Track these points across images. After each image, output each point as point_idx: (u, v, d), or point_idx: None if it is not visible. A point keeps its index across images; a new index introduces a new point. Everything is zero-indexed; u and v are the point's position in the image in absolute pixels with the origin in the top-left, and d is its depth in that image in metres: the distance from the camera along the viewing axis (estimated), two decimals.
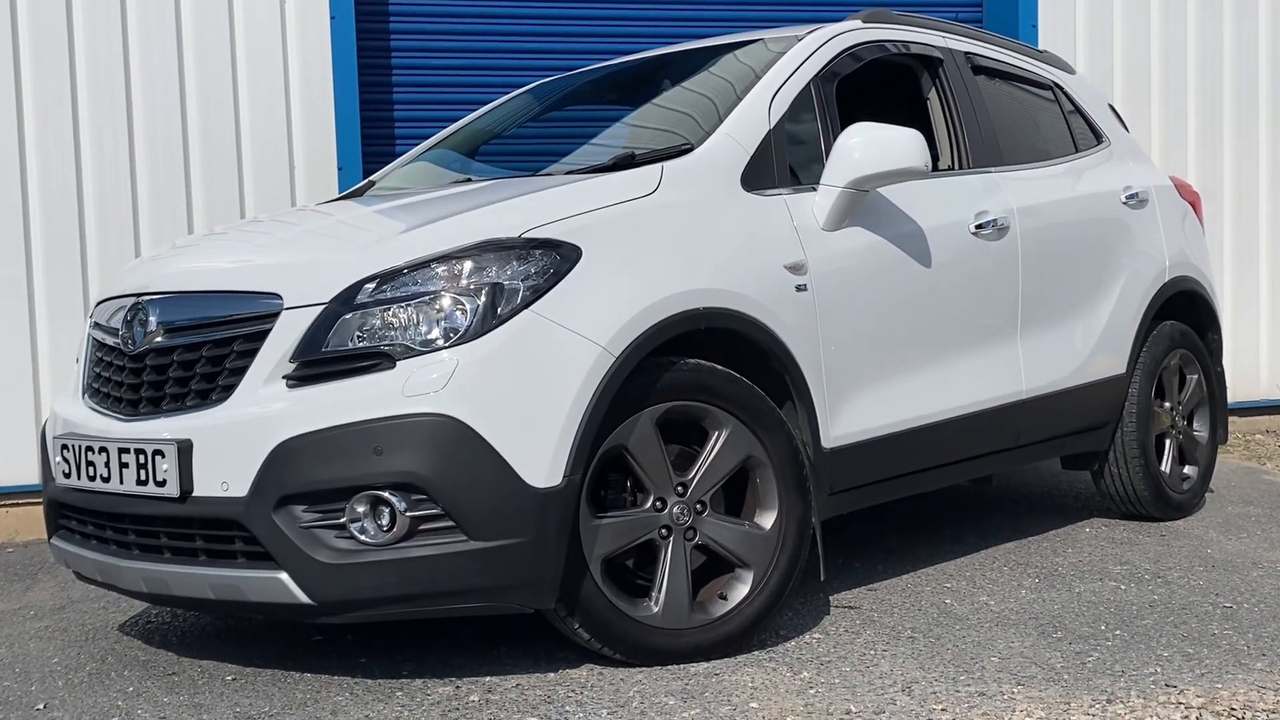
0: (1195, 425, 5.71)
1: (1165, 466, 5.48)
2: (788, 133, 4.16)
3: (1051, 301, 4.89)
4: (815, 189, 4.08)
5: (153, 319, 3.55)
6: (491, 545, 3.22)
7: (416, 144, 6.42)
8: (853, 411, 4.05)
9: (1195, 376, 5.67)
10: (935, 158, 4.83)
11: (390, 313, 3.32)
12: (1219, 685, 3.29)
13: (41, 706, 3.40)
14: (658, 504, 3.54)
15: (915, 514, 5.53)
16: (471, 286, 3.32)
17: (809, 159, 4.17)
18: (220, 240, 4.05)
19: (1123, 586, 4.41)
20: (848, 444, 4.03)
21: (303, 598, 3.24)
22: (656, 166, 3.80)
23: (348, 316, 3.32)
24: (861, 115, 5.04)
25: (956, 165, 4.80)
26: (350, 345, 3.31)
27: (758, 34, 4.81)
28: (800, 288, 3.89)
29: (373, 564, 3.22)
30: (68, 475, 3.65)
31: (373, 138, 6.70)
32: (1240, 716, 3.04)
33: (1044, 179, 5.05)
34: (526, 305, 3.32)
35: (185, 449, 3.31)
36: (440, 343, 3.27)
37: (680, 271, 3.59)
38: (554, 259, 3.40)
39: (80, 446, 3.58)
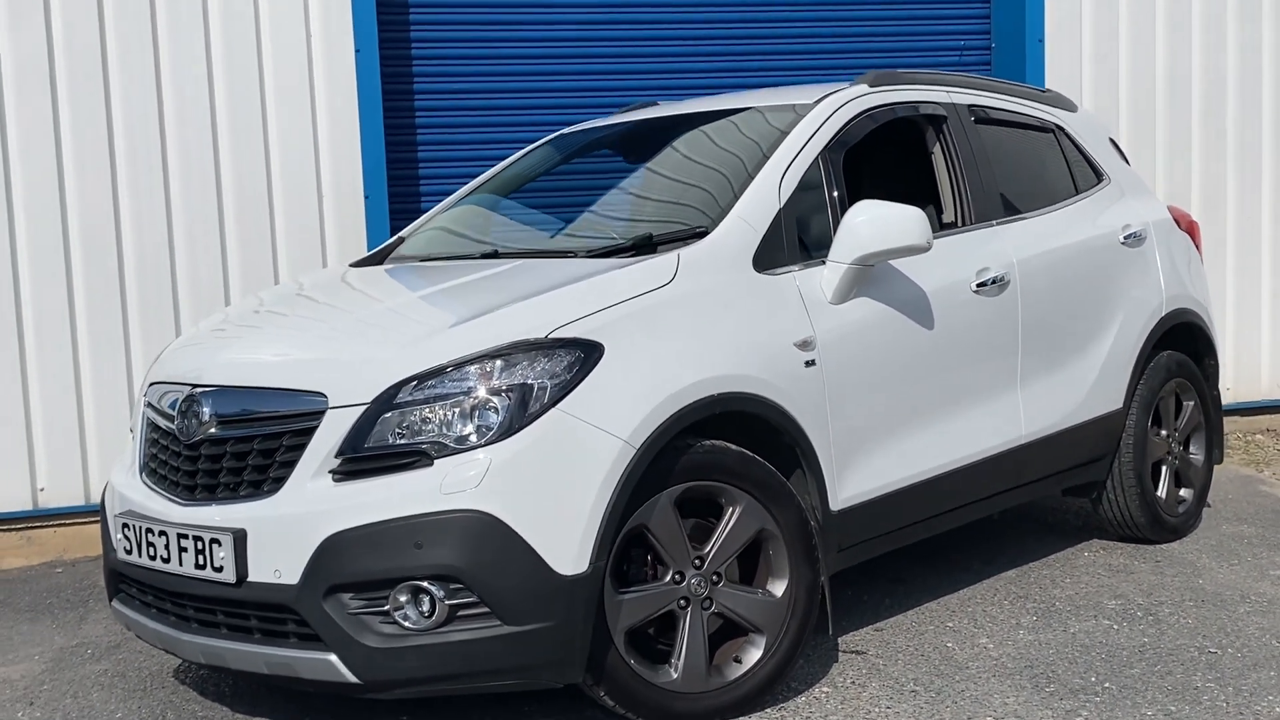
0: (1191, 449, 5.96)
1: (1161, 491, 5.74)
2: (797, 207, 4.39)
3: (1050, 348, 5.13)
4: (824, 263, 4.31)
5: (206, 410, 3.82)
6: (523, 629, 3.51)
7: (438, 170, 6.72)
8: (859, 474, 4.31)
9: (1191, 403, 5.91)
10: (940, 213, 5.06)
11: (428, 411, 3.58)
12: None
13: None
14: (676, 577, 3.82)
15: (923, 541, 5.75)
16: (503, 386, 3.58)
17: (818, 230, 4.41)
18: (267, 327, 4.30)
19: (1115, 626, 4.68)
20: (855, 505, 4.30)
21: (351, 677, 3.53)
22: (673, 255, 4.04)
23: (388, 415, 3.58)
24: (870, 173, 5.31)
25: (960, 220, 5.02)
26: (390, 441, 3.58)
27: (771, 97, 5.01)
28: (809, 363, 4.14)
29: (415, 648, 3.50)
30: (129, 552, 3.93)
31: (398, 162, 6.93)
32: None
33: (1044, 227, 5.28)
34: (554, 403, 3.58)
35: (240, 538, 3.59)
36: (474, 440, 3.54)
37: (696, 360, 3.85)
38: (578, 357, 3.65)
39: (141, 528, 3.87)
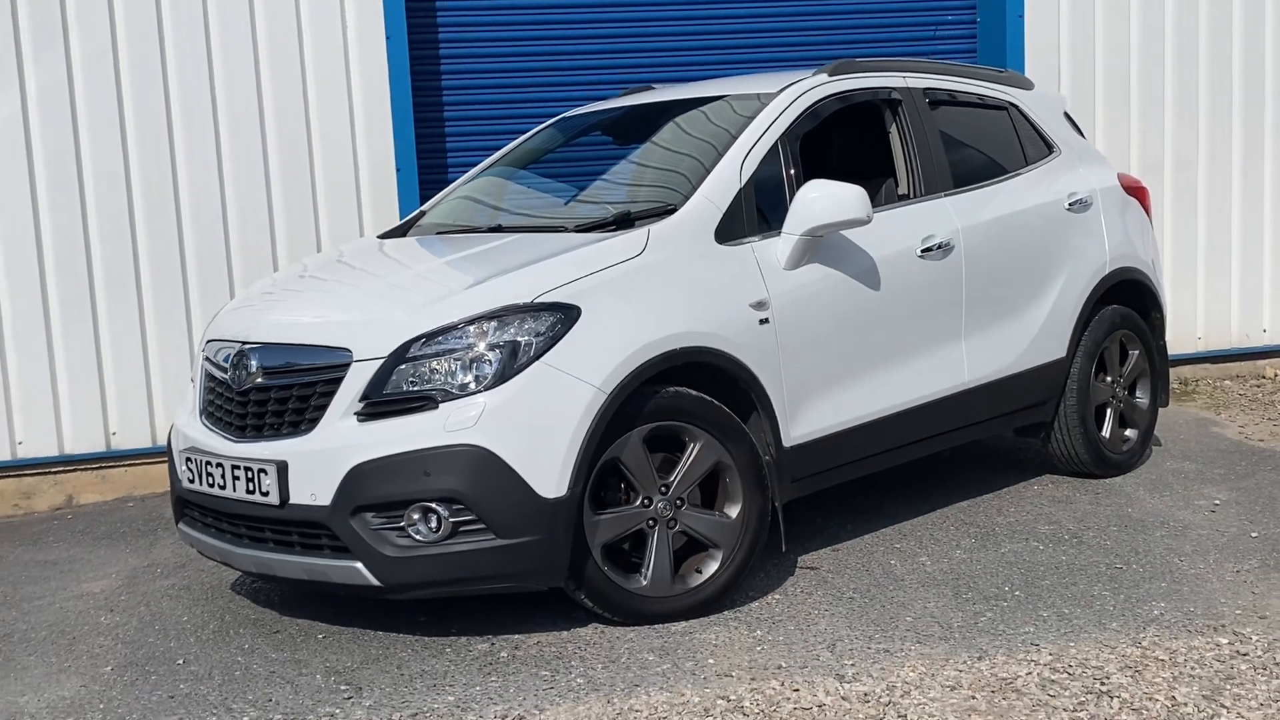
0: (1138, 393, 6.63)
1: (1106, 432, 6.43)
2: (758, 186, 5.10)
3: (993, 305, 5.82)
4: (780, 234, 5.02)
5: (254, 363, 4.61)
6: (514, 542, 4.28)
7: (463, 144, 7.47)
8: (809, 415, 5.05)
9: (1136, 352, 6.57)
10: (896, 188, 5.76)
11: (434, 364, 4.35)
12: (1071, 645, 4.28)
13: (181, 661, 4.52)
14: (645, 501, 4.58)
15: (894, 475, 6.47)
16: (496, 343, 4.34)
17: (776, 206, 5.11)
18: (307, 291, 5.08)
19: (1042, 547, 5.40)
20: (805, 442, 5.03)
21: (374, 581, 4.33)
22: (644, 230, 4.78)
23: (403, 367, 4.35)
24: (834, 151, 6.01)
25: (912, 193, 5.72)
26: (405, 389, 4.35)
27: (745, 85, 5.72)
28: (763, 321, 4.87)
29: (425, 557, 4.29)
30: (192, 481, 4.74)
31: (426, 138, 7.68)
32: (1071, 671, 4.04)
33: (991, 196, 5.95)
34: (538, 357, 4.34)
35: (283, 468, 4.39)
36: (472, 387, 4.30)
37: (661, 320, 4.59)
38: (560, 317, 4.40)
39: (201, 460, 4.67)
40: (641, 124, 5.92)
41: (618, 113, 6.10)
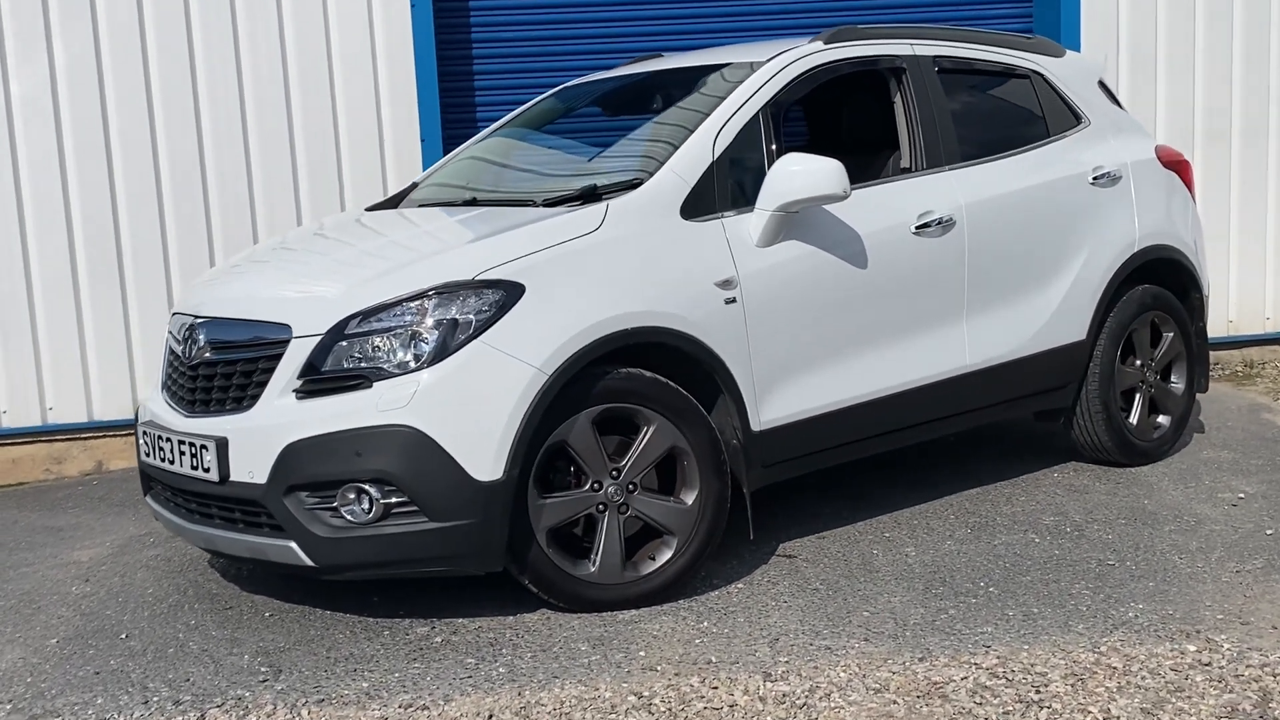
0: (1172, 378, 6.29)
1: (1133, 418, 6.12)
2: (735, 160, 4.91)
3: (1000, 283, 5.55)
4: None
5: (201, 337, 4.57)
6: (447, 525, 4.18)
7: (493, 114, 7.36)
8: (782, 399, 4.85)
9: (1171, 334, 6.23)
10: (899, 160, 5.51)
11: (370, 342, 4.26)
12: (1024, 647, 4.05)
13: (124, 636, 4.51)
14: (595, 485, 4.44)
15: (905, 459, 6.24)
16: (432, 321, 4.23)
17: (754, 181, 4.91)
18: (269, 263, 5.03)
19: (1038, 540, 5.14)
20: (776, 426, 4.84)
21: (307, 561, 4.26)
22: (602, 205, 4.62)
23: (343, 344, 4.27)
24: (831, 123, 5.79)
25: (915, 167, 5.47)
26: (343, 367, 4.26)
27: (740, 53, 5.51)
28: (730, 300, 4.68)
29: (359, 538, 4.21)
30: (148, 455, 4.72)
31: (454, 106, 7.59)
32: (1010, 677, 3.82)
33: (1003, 170, 5.66)
34: (476, 335, 4.22)
35: (222, 445, 4.34)
36: (407, 366, 4.20)
37: (612, 299, 4.43)
38: (502, 296, 4.28)
39: (155, 434, 4.65)
40: (636, 95, 5.77)
41: (615, 83, 5.95)
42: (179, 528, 4.67)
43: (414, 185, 5.89)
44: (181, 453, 4.49)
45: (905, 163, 5.51)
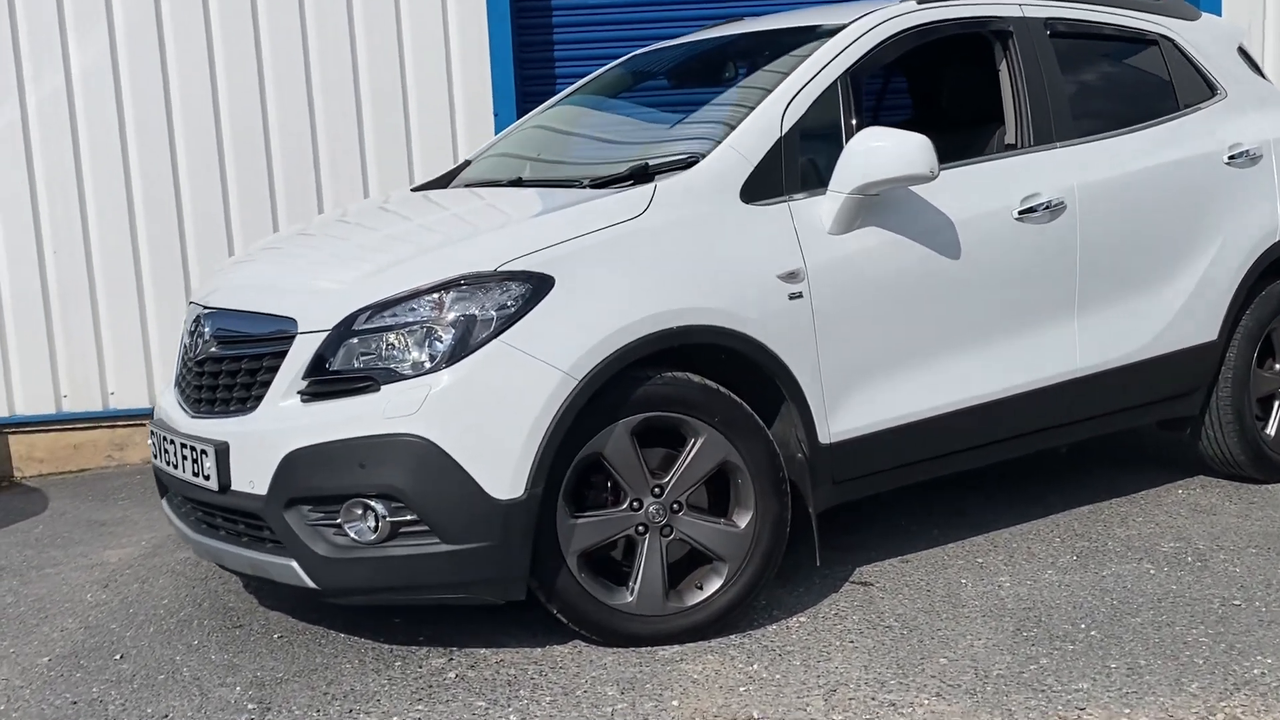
0: None
1: (1271, 429, 5.42)
2: (808, 135, 4.33)
3: (1118, 276, 4.89)
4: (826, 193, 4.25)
5: (207, 330, 4.15)
6: (462, 548, 3.70)
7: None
8: (857, 407, 4.27)
9: None
10: (1003, 136, 4.88)
11: (383, 339, 3.78)
12: (1125, 711, 3.44)
13: (119, 656, 4.12)
14: (634, 504, 3.92)
15: (1011, 469, 5.58)
16: (449, 318, 3.74)
17: (830, 159, 4.32)
18: (285, 249, 4.60)
19: (1153, 571, 4.49)
20: (850, 438, 4.27)
21: (309, 582, 3.81)
22: (649, 186, 4.07)
23: (353, 341, 3.80)
24: (940, 93, 5.17)
25: (1021, 143, 4.83)
26: (353, 366, 3.80)
27: (824, 15, 4.90)
28: (795, 295, 4.11)
29: (364, 559, 3.75)
30: (156, 456, 4.32)
31: (532, 79, 7.10)
32: None
33: (1123, 147, 4.99)
34: (497, 334, 3.72)
35: (223, 451, 3.91)
36: (417, 369, 3.72)
37: (655, 294, 3.89)
38: (527, 289, 3.77)
39: (161, 436, 4.25)
40: (707, 63, 5.22)
41: (686, 50, 5.39)
42: (184, 535, 4.27)
43: (466, 163, 5.40)
44: (184, 457, 4.08)
45: (1010, 139, 4.87)
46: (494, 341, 3.71)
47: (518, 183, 4.71)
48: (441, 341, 3.73)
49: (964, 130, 5.09)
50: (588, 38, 7.11)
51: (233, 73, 6.78)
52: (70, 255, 6.86)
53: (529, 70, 7.11)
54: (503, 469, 3.68)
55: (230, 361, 4.04)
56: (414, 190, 5.24)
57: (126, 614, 4.51)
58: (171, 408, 4.30)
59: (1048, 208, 4.68)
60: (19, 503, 6.32)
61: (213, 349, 4.12)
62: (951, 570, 4.58)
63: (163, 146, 6.80)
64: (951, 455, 4.58)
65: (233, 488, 3.91)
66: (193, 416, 4.13)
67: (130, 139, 6.80)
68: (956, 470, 4.70)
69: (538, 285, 3.78)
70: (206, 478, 3.96)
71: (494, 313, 3.74)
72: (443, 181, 5.26)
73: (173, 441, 4.15)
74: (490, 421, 3.68)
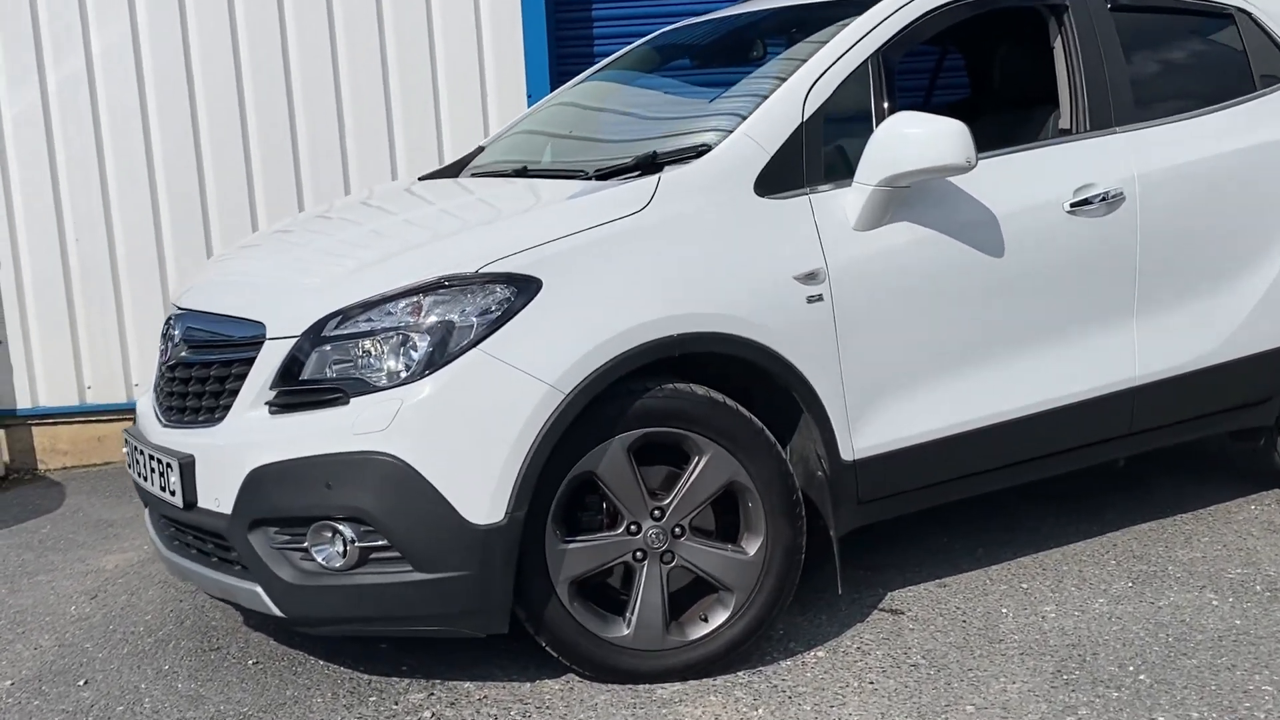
0: None
1: None
2: (834, 121, 3.94)
3: (1183, 275, 4.44)
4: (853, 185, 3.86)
5: (177, 333, 3.85)
6: (437, 577, 3.37)
7: None
8: (885, 420, 3.89)
9: None
10: (1056, 120, 4.45)
11: (359, 345, 3.46)
12: None
13: (84, 683, 3.86)
14: (632, 528, 3.57)
15: (1073, 477, 5.12)
16: (424, 324, 3.41)
17: (858, 146, 3.92)
18: (252, 251, 4.29)
19: (1216, 601, 4.07)
20: (877, 454, 3.88)
21: (275, 610, 3.51)
22: (653, 179, 3.71)
23: (325, 348, 3.48)
24: (987, 74, 4.74)
25: (1076, 128, 4.39)
26: (326, 375, 3.48)
27: None
28: (814, 298, 3.73)
29: (331, 587, 3.43)
30: (131, 466, 4.04)
31: (569, 58, 6.75)
32: None
33: (1191, 133, 4.53)
34: (476, 343, 3.38)
35: (188, 465, 3.61)
36: (389, 381, 3.39)
37: (655, 297, 3.53)
38: (511, 293, 3.42)
39: (134, 444, 3.97)
40: (735, 41, 4.81)
41: (717, 26, 4.99)
42: (160, 554, 3.99)
43: (480, 149, 5.07)
44: (152, 469, 3.80)
45: (1065, 123, 4.43)
46: (472, 351, 3.37)
47: (522, 172, 4.36)
48: (417, 350, 3.40)
49: (1015, 113, 4.67)
50: (626, 14, 6.74)
51: (256, 50, 6.51)
52: (92, 242, 6.64)
53: (566, 48, 6.75)
54: (481, 491, 3.34)
55: (200, 368, 3.75)
56: (422, 179, 4.91)
57: (105, 631, 4.25)
58: (146, 415, 4.02)
59: (1104, 199, 4.25)
60: (36, 498, 6.12)
61: (183, 353, 3.83)
62: (992, 597, 4.18)
63: (185, 129, 6.55)
64: (991, 472, 4.18)
65: (199, 504, 3.61)
66: (164, 426, 3.84)
67: (152, 122, 6.57)
68: (997, 488, 4.29)
69: (522, 288, 3.44)
70: (172, 493, 3.67)
71: (475, 319, 3.40)
72: (455, 169, 4.92)
73: (143, 452, 3.87)
74: (467, 439, 3.35)
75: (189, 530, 3.75)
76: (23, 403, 6.76)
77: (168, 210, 6.60)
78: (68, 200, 6.60)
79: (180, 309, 3.93)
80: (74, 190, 6.60)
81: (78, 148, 6.56)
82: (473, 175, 4.66)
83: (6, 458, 6.76)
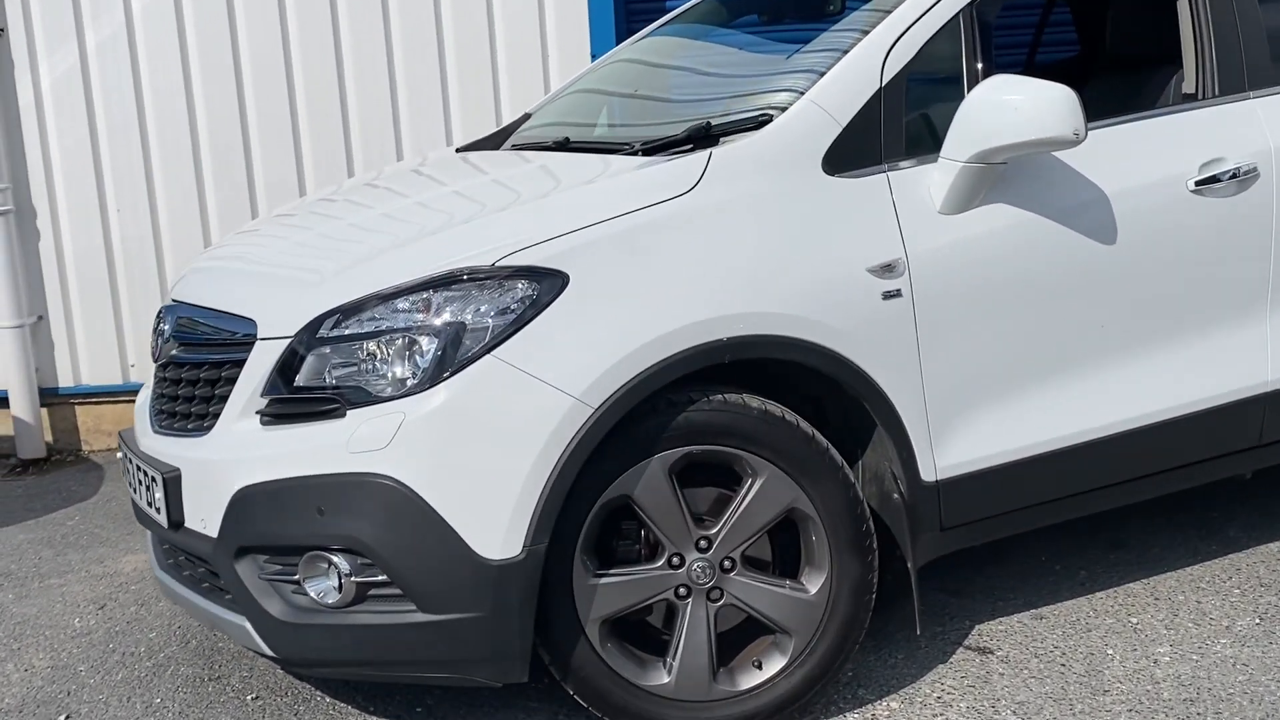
0: None
1: None
2: (918, 86, 3.40)
3: None
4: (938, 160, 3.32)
5: (167, 328, 3.43)
6: (444, 619, 2.92)
7: None
8: (974, 434, 3.35)
9: None
10: (1180, 84, 3.86)
11: (363, 348, 3.01)
12: None
13: (64, 718, 3.47)
14: (674, 560, 3.09)
15: (1194, 489, 4.54)
16: (434, 325, 2.94)
17: (948, 116, 3.37)
18: (252, 236, 3.86)
19: None
20: (964, 474, 3.35)
21: (264, 648, 3.08)
22: (703, 155, 3.19)
23: (324, 350, 3.03)
24: (1111, 25, 4.18)
25: (1202, 94, 3.80)
26: (325, 382, 3.03)
27: None
28: (891, 294, 3.20)
29: (326, 626, 3.00)
30: (125, 474, 3.64)
31: (636, 12, 6.25)
32: None
33: None
34: (490, 348, 2.90)
35: (173, 480, 3.19)
36: (392, 391, 2.93)
37: (701, 294, 3.03)
38: (533, 291, 2.94)
39: (125, 451, 3.56)
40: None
41: None
42: (154, 572, 3.57)
43: (526, 115, 4.57)
44: (139, 481, 3.38)
45: (1190, 87, 3.84)
46: (486, 357, 2.90)
47: (564, 144, 3.85)
48: (423, 357, 2.93)
49: (1131, 76, 4.08)
50: None
51: (302, 5, 6.05)
52: (134, 213, 6.28)
53: (635, 2, 6.23)
54: (494, 521, 2.87)
55: (190, 368, 3.31)
56: (458, 151, 4.42)
57: (105, 650, 3.87)
58: (140, 416, 3.60)
59: (1235, 176, 3.65)
60: (73, 483, 5.80)
61: (173, 351, 3.39)
62: (1096, 634, 3.64)
63: (230, 91, 6.15)
64: (1097, 492, 3.61)
65: (186, 524, 3.18)
66: (155, 431, 3.42)
67: (195, 85, 6.17)
68: (1102, 509, 3.73)
69: (545, 284, 2.95)
70: (158, 510, 3.25)
71: (491, 319, 2.92)
72: (498, 139, 4.43)
73: (130, 460, 3.45)
74: (478, 461, 2.88)
75: (180, 551, 3.32)
76: (64, 381, 6.44)
77: (211, 177, 6.22)
78: (109, 169, 6.24)
79: (174, 301, 3.50)
80: (115, 158, 6.24)
81: (118, 113, 6.19)
82: (514, 148, 4.16)
83: (50, 438, 6.44)
